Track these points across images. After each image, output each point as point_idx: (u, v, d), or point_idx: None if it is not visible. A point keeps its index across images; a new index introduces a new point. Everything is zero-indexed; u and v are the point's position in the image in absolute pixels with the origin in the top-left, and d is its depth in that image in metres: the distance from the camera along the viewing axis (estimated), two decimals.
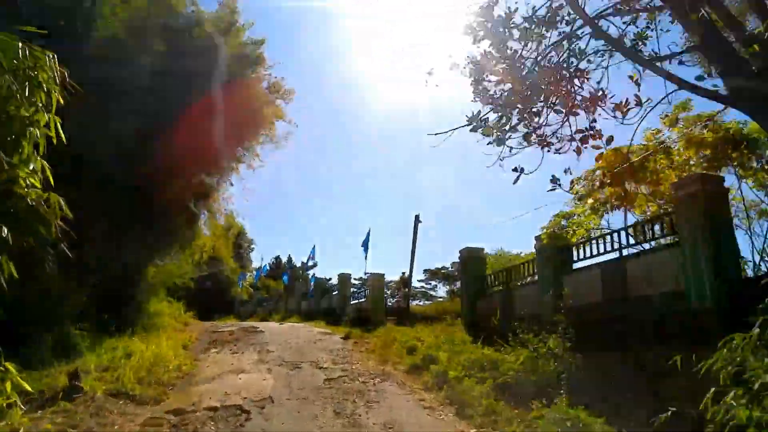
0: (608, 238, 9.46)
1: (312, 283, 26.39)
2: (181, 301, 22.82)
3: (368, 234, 21.82)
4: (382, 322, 19.21)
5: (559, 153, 5.62)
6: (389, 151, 76.55)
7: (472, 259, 13.41)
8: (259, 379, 9.03)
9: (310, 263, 32.73)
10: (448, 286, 59.02)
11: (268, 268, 54.33)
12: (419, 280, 47.86)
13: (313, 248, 27.41)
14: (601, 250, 9.48)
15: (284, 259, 60.83)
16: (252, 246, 48.96)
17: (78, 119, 6.44)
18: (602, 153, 9.55)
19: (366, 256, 21.33)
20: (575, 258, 10.00)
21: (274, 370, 9.97)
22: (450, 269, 59.22)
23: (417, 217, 22.56)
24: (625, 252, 9.05)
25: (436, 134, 5.69)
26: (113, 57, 12.04)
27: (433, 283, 54.94)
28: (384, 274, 20.81)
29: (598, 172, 9.56)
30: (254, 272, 39.69)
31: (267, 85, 15.45)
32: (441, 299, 39.83)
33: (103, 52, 11.81)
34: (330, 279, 30.67)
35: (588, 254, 9.83)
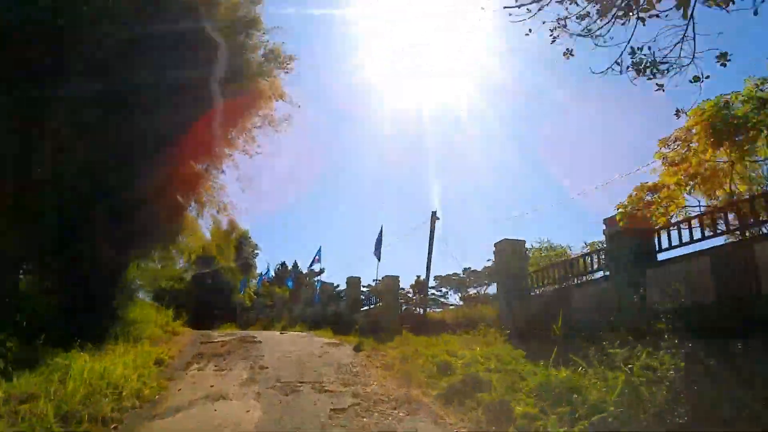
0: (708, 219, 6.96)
1: (318, 288, 24.00)
2: (171, 308, 20.46)
3: (381, 232, 19.42)
4: (397, 330, 16.80)
5: None
6: (398, 151, 74.31)
7: (511, 253, 10.92)
8: (242, 410, 6.62)
9: (316, 267, 30.55)
10: (460, 293, 56.58)
11: (273, 274, 52.09)
12: (429, 287, 45.15)
13: (319, 250, 25.05)
14: (698, 236, 6.99)
15: (290, 265, 58.78)
16: (256, 251, 46.76)
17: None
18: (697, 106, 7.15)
19: (379, 256, 18.91)
20: (662, 246, 7.51)
21: (264, 395, 7.56)
22: (462, 276, 56.66)
23: (434, 214, 20.13)
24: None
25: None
26: None
27: (444, 289, 52.45)
28: (399, 277, 18.38)
29: (694, 130, 7.10)
30: (258, 278, 37.31)
31: (264, 52, 13.20)
32: (453, 306, 37.25)
33: None
34: (338, 285, 28.36)
35: (678, 241, 7.32)
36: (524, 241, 10.83)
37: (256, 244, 46.75)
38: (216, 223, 40.93)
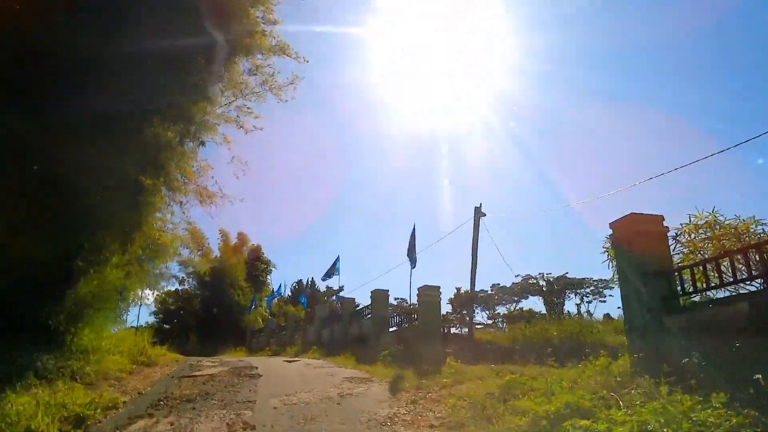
0: None
1: (337, 305, 20.00)
2: (172, 328, 16.75)
3: (413, 232, 15.46)
4: (439, 356, 12.68)
5: None
6: (415, 158, 70.73)
7: (643, 237, 6.63)
8: None
9: (334, 283, 26.74)
10: (487, 311, 51.65)
11: (289, 293, 48.25)
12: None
13: (337, 260, 21.19)
14: None
15: (308, 283, 54.89)
16: (270, 268, 43.03)
17: None
18: None
19: (413, 260, 14.91)
20: None
21: None
22: (490, 291, 51.85)
23: (478, 209, 16.12)
24: None
25: None
26: None
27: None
28: (440, 288, 14.29)
29: None
30: (270, 295, 33.45)
31: None
32: (480, 326, 32.42)
33: None
34: (358, 305, 23.92)
35: None
36: (662, 217, 6.66)
37: (269, 260, 43.16)
38: (224, 238, 37.57)
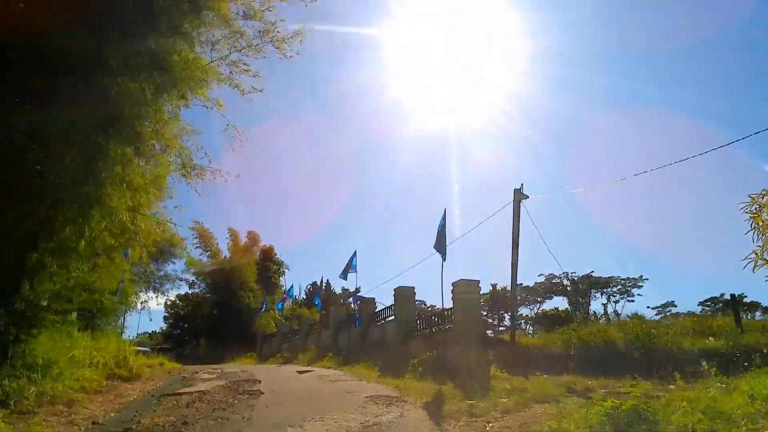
0: None
1: (354, 306, 17.69)
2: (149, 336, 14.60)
3: (443, 219, 13.06)
4: (484, 368, 10.26)
5: None
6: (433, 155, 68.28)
7: None
8: None
9: (350, 283, 24.47)
10: (509, 314, 48.79)
11: (303, 295, 46.02)
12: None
13: (354, 255, 18.91)
14: None
15: (323, 285, 52.71)
16: (282, 269, 40.91)
17: None
18: None
19: (443, 251, 12.51)
20: None
21: None
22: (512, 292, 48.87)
23: (518, 191, 13.64)
24: None
25: None
26: None
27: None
28: (479, 282, 11.82)
29: None
30: (283, 297, 31.17)
31: None
32: (503, 329, 29.65)
33: None
34: (379, 307, 21.48)
35: None
36: None
37: (282, 261, 41.03)
38: (234, 237, 35.53)
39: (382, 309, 16.65)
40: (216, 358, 29.35)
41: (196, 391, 9.16)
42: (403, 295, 14.54)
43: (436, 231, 13.36)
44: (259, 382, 10.31)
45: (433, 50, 56.59)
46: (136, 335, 59.69)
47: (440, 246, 12.97)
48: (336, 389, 9.21)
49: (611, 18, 61.07)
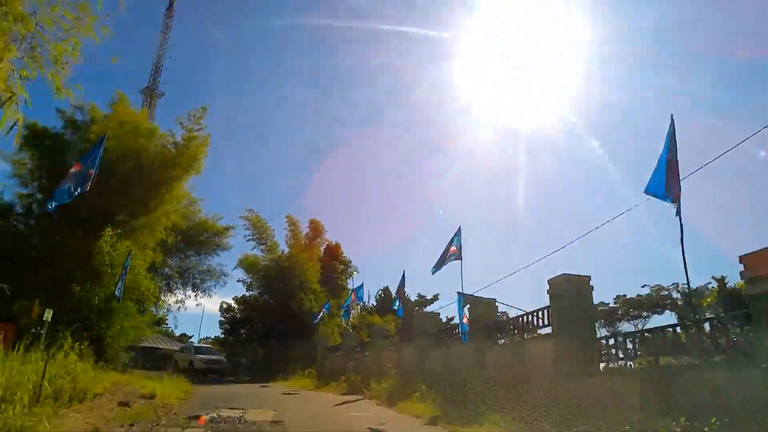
0: None
1: (462, 311, 10.87)
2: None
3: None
4: None
5: None
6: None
7: None
8: None
9: (428, 293, 17.59)
10: (608, 328, 39.70)
11: (374, 302, 39.73)
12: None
13: (457, 234, 12.30)
14: None
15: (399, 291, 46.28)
16: (350, 270, 34.82)
17: None
18: None
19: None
20: None
21: None
22: (612, 304, 39.57)
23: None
24: None
25: None
26: None
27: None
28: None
29: None
30: (352, 301, 24.70)
31: None
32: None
33: None
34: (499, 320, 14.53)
35: None
36: None
37: (350, 261, 34.95)
38: (293, 227, 29.92)
39: (519, 316, 9.65)
40: (268, 374, 23.69)
41: None
42: (572, 288, 7.54)
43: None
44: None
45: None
46: (198, 340, 57.11)
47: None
48: None
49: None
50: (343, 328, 28.29)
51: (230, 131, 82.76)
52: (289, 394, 13.88)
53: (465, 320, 11.14)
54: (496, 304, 11.23)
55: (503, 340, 10.85)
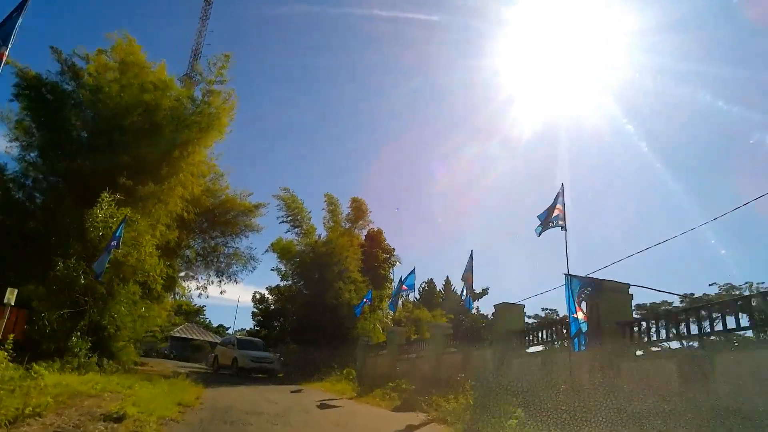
0: None
1: (581, 295, 7.18)
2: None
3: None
4: None
5: None
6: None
7: None
8: None
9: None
10: (674, 331, 34.01)
11: (419, 293, 36.08)
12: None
13: (561, 191, 8.66)
14: None
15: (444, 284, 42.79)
16: (393, 257, 31.30)
17: None
18: None
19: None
20: None
21: None
22: (679, 303, 34.16)
23: None
24: None
25: None
26: None
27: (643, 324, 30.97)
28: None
29: None
30: (402, 291, 21.00)
31: None
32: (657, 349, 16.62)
33: None
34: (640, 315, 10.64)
35: None
36: None
37: (393, 249, 31.50)
38: (333, 207, 26.62)
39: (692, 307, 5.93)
40: (301, 373, 20.75)
41: None
42: None
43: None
44: None
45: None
46: (234, 331, 54.99)
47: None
48: None
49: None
50: (384, 324, 24.97)
51: (278, 111, 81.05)
52: (327, 406, 10.65)
53: (581, 315, 7.50)
54: (630, 291, 7.49)
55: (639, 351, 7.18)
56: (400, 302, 23.20)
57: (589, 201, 59.37)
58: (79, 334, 11.90)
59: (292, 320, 28.95)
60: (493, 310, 10.87)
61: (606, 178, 59.49)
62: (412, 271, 16.22)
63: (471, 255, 12.50)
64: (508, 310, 10.44)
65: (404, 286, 16.32)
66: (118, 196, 12.25)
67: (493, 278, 67.70)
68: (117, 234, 10.46)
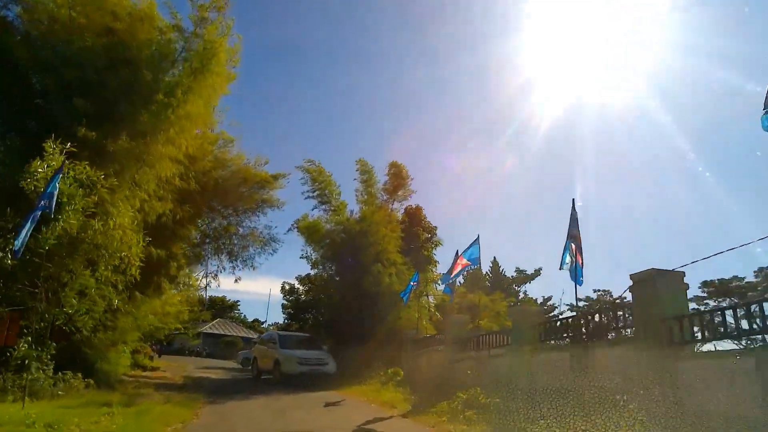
0: None
1: None
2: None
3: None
4: None
5: None
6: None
7: None
8: None
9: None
10: (742, 310, 28.73)
11: (461, 280, 31.93)
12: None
13: None
14: None
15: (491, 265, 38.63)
16: (436, 240, 27.22)
17: None
18: None
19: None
20: None
21: None
22: (754, 279, 28.73)
23: None
24: None
25: None
26: None
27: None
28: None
29: None
30: (444, 277, 17.04)
31: None
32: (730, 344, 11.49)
33: None
34: None
35: None
36: None
37: (435, 228, 27.48)
38: (368, 177, 20.94)
39: None
40: (335, 375, 17.12)
41: None
42: None
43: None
44: None
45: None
46: (269, 326, 51.97)
47: None
48: None
49: None
50: (436, 318, 21.04)
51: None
52: None
53: None
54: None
55: None
56: (459, 280, 19.12)
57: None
58: (30, 339, 8.69)
59: (325, 312, 25.64)
60: (630, 283, 6.74)
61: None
62: (476, 241, 12.25)
63: (573, 205, 8.45)
64: (663, 283, 6.29)
65: (463, 260, 12.38)
66: (69, 146, 8.82)
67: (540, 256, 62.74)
68: (48, 190, 7.04)
